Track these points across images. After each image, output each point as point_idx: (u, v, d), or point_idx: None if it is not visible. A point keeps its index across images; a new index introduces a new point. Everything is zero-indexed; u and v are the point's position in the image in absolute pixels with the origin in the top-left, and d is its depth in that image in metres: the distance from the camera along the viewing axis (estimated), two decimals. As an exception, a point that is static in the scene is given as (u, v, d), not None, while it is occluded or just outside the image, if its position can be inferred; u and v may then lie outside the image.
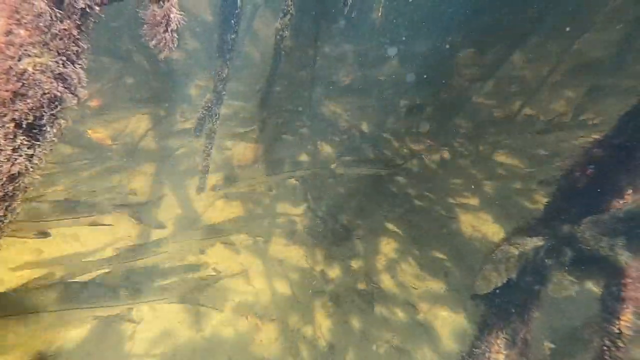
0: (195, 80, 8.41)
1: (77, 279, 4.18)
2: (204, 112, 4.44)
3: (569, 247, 2.14)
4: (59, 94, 1.46)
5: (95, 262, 4.53)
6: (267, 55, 9.18)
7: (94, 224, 4.34)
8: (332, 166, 5.90)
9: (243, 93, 8.53)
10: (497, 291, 2.42)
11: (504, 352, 2.38)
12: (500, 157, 7.91)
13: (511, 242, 2.35)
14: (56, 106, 1.48)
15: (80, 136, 6.47)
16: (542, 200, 6.58)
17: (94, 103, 6.99)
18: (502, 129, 8.26)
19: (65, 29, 1.39)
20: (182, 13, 1.90)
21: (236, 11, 3.78)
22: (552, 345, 3.37)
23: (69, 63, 1.45)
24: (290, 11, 4.54)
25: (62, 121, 1.56)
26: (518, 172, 7.50)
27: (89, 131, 6.63)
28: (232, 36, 3.96)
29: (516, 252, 2.30)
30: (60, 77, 1.45)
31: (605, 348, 2.00)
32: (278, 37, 5.00)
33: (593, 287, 2.42)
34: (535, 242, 2.24)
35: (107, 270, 4.37)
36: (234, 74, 8.71)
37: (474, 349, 2.58)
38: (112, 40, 7.15)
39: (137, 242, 5.33)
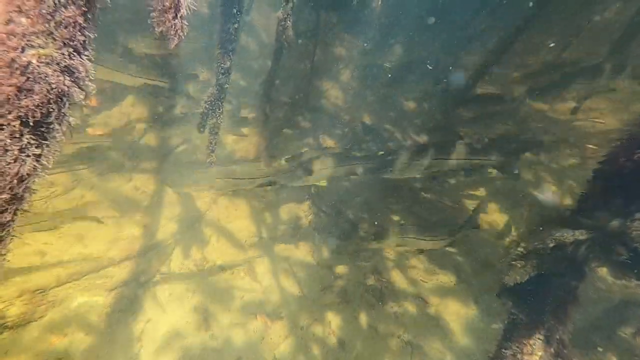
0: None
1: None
2: (207, 106, 4.30)
3: (621, 243, 2.01)
4: (66, 88, 1.34)
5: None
6: (266, 48, 9.01)
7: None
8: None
9: (243, 88, 8.36)
10: (528, 288, 2.32)
11: (538, 353, 2.28)
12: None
13: (547, 234, 2.23)
14: (64, 102, 1.36)
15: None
16: (550, 188, 6.53)
17: (91, 102, 6.79)
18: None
19: (70, 17, 1.26)
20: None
21: None
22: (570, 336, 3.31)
23: (75, 54, 1.33)
24: (292, -1, 4.38)
25: (70, 118, 1.44)
26: (524, 161, 7.40)
27: (88, 130, 6.45)
28: (235, 26, 3.81)
29: (551, 245, 2.19)
30: (67, 70, 1.32)
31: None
32: (280, 27, 4.84)
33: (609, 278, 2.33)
34: (577, 235, 2.12)
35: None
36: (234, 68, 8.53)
37: (503, 350, 2.47)
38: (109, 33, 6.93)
39: (141, 242, 5.23)
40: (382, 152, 5.52)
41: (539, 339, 2.31)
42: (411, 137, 7.94)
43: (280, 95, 8.10)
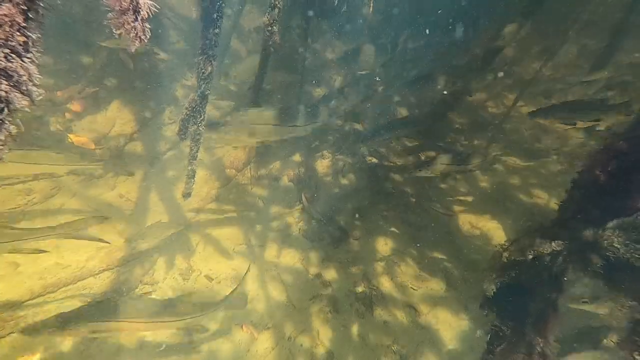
0: (182, 80, 8.12)
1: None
2: (188, 113, 4.17)
3: (594, 253, 1.96)
4: (3, 93, 1.23)
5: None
6: (257, 54, 8.95)
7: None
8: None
9: (233, 92, 8.28)
10: (510, 299, 2.24)
11: (520, 366, 2.20)
12: (496, 152, 7.78)
13: (524, 245, 2.16)
14: (1, 108, 1.25)
15: (61, 141, 6.14)
16: (540, 195, 6.50)
17: (74, 107, 6.65)
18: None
19: (5, 15, 1.16)
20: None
21: (219, 3, 3.53)
22: (557, 345, 3.22)
23: (13, 56, 1.22)
24: (278, 4, 4.30)
25: (11, 127, 1.32)
26: (514, 167, 7.39)
27: (71, 135, 6.29)
28: (216, 31, 3.71)
29: (530, 256, 2.11)
30: (4, 74, 1.22)
31: (637, 361, 1.85)
32: (266, 32, 4.76)
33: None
34: (554, 246, 2.05)
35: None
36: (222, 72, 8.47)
37: (486, 364, 2.39)
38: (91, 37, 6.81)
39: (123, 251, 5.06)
40: None
41: (520, 352, 2.22)
42: (402, 142, 7.89)
43: (271, 101, 8.02)
